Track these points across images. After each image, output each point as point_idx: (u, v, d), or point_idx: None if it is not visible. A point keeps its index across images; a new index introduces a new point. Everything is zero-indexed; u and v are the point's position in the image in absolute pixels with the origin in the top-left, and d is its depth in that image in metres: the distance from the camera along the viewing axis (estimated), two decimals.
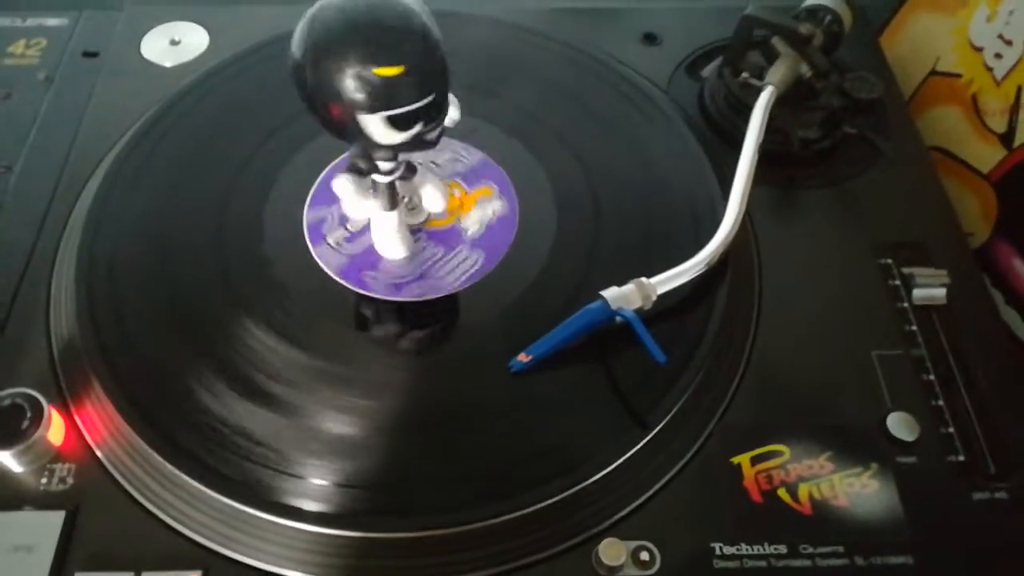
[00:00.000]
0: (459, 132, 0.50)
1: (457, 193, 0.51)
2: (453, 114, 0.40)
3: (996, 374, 0.46)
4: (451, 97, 0.39)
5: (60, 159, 0.54)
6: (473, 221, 0.49)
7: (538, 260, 0.48)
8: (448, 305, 0.47)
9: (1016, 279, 0.53)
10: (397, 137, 0.37)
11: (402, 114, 0.36)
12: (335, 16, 0.35)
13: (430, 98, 0.36)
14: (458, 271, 0.47)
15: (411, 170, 0.44)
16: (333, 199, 0.49)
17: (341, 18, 0.35)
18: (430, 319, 0.46)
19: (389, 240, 0.47)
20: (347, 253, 0.48)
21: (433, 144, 0.39)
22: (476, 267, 0.48)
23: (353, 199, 0.43)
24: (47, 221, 0.51)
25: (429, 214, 0.49)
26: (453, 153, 0.53)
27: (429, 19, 0.36)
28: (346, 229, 0.49)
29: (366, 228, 0.48)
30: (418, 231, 0.49)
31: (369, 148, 0.40)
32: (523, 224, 0.50)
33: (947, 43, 0.61)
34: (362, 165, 0.41)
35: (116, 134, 0.55)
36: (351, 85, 0.35)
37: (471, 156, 0.53)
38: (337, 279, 0.47)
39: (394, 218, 0.45)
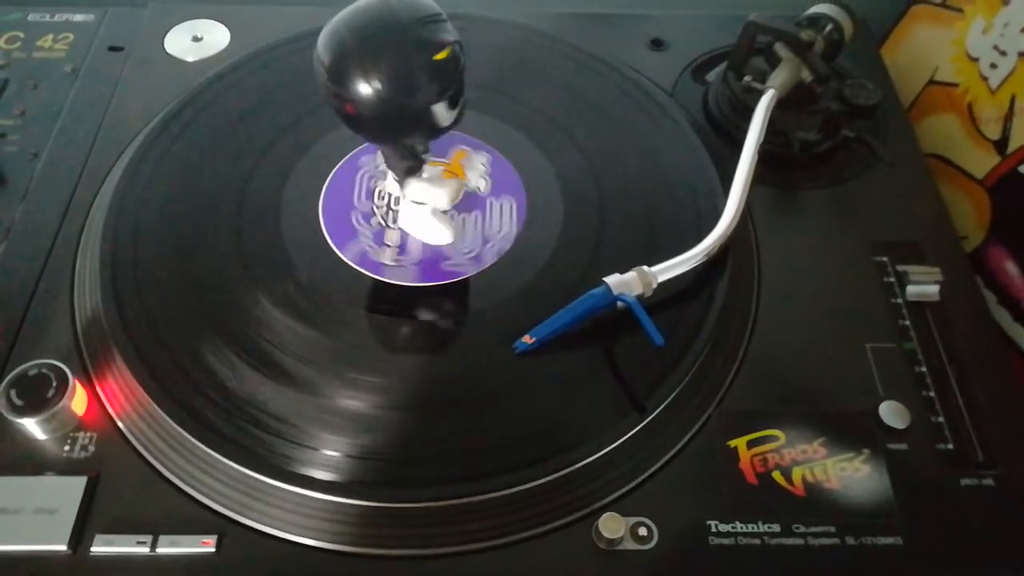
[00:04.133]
0: None
1: (440, 169, 0.52)
2: None
3: (986, 368, 0.47)
4: None
5: (85, 147, 0.56)
6: (477, 179, 0.49)
7: (548, 243, 0.50)
8: (519, 254, 0.49)
9: (1008, 280, 0.55)
10: (451, 116, 0.39)
11: (458, 90, 0.38)
12: (368, 26, 0.36)
13: (463, 68, 0.38)
14: (506, 218, 0.49)
15: None
16: (346, 219, 0.50)
17: (376, 26, 0.36)
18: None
19: (435, 228, 0.47)
20: (412, 262, 0.48)
21: (462, 117, 0.40)
22: (516, 209, 0.50)
23: (432, 192, 0.43)
24: (72, 204, 0.53)
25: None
26: None
27: None
28: (388, 245, 0.49)
29: (405, 234, 0.49)
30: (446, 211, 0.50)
31: (423, 138, 0.41)
32: (517, 165, 0.53)
33: (945, 54, 0.63)
34: (412, 164, 0.42)
35: (139, 124, 0.57)
36: (421, 79, 0.36)
37: None
38: (425, 285, 0.47)
39: (426, 208, 0.46)
